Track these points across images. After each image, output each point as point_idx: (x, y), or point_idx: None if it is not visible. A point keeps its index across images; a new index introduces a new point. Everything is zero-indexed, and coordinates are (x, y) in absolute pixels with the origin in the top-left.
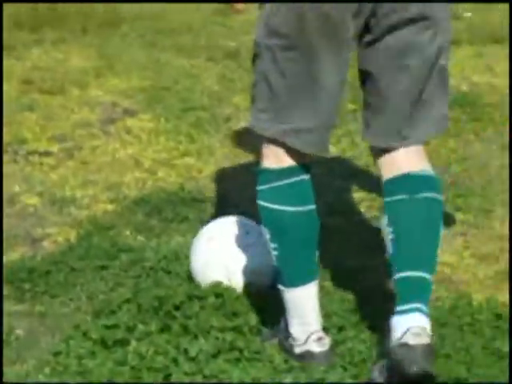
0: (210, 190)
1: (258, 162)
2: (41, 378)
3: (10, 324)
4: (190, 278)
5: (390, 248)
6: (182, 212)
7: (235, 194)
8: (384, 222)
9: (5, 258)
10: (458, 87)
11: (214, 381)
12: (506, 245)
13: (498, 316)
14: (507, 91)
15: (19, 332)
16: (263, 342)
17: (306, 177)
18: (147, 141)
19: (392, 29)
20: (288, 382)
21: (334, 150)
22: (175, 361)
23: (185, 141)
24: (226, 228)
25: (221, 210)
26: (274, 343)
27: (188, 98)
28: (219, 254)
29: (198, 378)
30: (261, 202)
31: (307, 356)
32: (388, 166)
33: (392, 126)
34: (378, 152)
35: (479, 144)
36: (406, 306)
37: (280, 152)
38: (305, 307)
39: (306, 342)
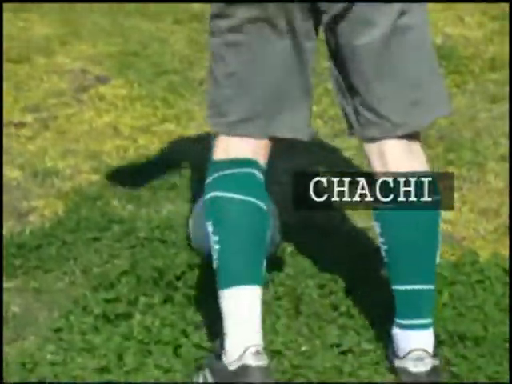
0: (194, 155)
1: None
2: (47, 356)
3: (4, 301)
4: (187, 246)
5: (384, 256)
6: (169, 179)
7: None
8: (376, 231)
9: None
10: (432, 41)
11: None
12: (504, 199)
13: (507, 272)
14: (482, 43)
15: (15, 309)
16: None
17: (256, 171)
18: (123, 108)
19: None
20: (304, 349)
21: (314, 109)
22: (183, 332)
23: (162, 106)
24: None
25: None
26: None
27: (159, 62)
28: None
29: (208, 349)
30: (207, 195)
31: (241, 372)
32: (378, 162)
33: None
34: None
35: (462, 97)
36: (406, 321)
37: (229, 144)
38: (245, 312)
39: (241, 356)
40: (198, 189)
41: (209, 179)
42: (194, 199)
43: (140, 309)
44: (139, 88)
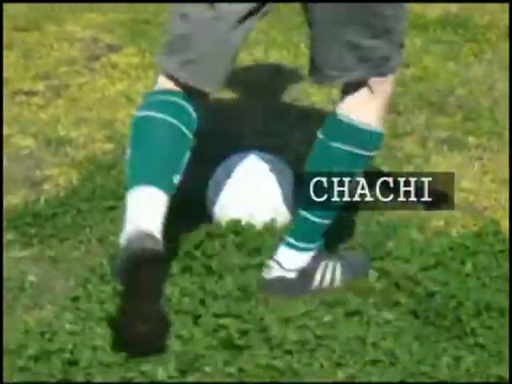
0: (210, 124)
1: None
2: (65, 325)
3: (20, 270)
4: (206, 216)
5: None
6: None
7: (236, 126)
8: None
9: (5, 203)
10: (447, 8)
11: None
12: None
13: None
14: (498, 11)
15: (31, 278)
16: None
17: (188, 106)
18: (136, 76)
19: None
20: (326, 320)
21: None
22: (202, 302)
23: None
24: (244, 164)
25: (225, 145)
26: None
27: None
28: (239, 190)
29: (228, 320)
30: (133, 119)
31: (125, 255)
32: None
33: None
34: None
35: (480, 66)
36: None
37: (169, 82)
38: (149, 207)
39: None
40: (214, 158)
41: (138, 107)
42: (210, 169)
43: None
44: (151, 56)
